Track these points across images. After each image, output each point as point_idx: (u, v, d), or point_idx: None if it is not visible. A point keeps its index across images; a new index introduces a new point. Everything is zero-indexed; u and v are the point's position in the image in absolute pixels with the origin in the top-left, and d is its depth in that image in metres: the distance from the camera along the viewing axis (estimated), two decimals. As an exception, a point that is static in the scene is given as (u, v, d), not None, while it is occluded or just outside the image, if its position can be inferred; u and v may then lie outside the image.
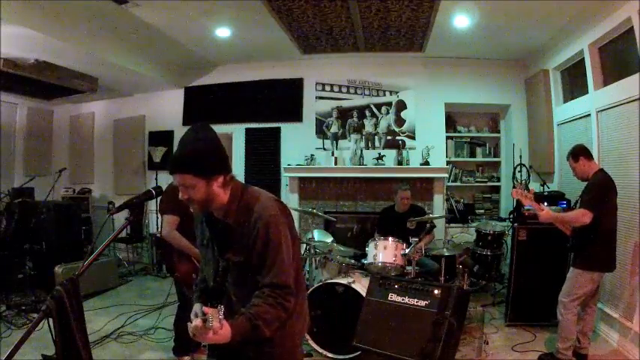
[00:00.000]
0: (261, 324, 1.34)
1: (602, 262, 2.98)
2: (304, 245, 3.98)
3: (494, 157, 6.10)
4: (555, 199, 4.03)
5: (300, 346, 1.68)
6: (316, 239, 4.36)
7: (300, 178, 5.87)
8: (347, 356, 3.17)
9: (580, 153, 3.12)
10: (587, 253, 2.97)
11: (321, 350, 3.27)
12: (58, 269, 4.47)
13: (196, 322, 1.26)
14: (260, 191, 1.52)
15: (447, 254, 3.84)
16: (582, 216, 2.90)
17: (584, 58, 4.14)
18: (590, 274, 2.96)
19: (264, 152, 6.13)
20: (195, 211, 1.47)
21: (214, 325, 1.21)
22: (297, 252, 1.56)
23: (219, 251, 1.50)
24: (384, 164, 5.64)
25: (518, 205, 3.79)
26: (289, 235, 1.49)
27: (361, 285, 3.26)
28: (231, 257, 1.45)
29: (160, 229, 4.26)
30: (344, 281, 3.27)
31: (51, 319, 1.46)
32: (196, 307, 1.50)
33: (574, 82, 4.63)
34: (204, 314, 1.24)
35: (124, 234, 5.53)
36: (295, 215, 5.36)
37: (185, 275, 3.04)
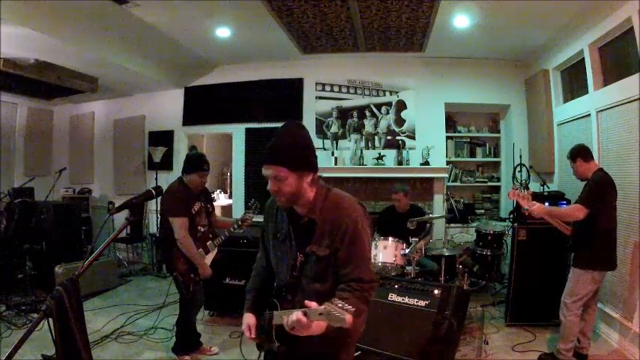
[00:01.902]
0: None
1: (602, 261, 2.98)
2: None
3: (495, 157, 6.09)
4: (555, 199, 4.03)
5: (354, 343, 1.71)
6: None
7: (300, 178, 5.85)
8: (347, 356, 3.17)
9: (577, 154, 3.12)
10: (587, 253, 2.96)
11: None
12: (58, 269, 4.47)
13: (297, 315, 1.29)
14: (343, 193, 1.61)
15: (447, 254, 3.83)
16: (576, 211, 2.90)
17: (584, 58, 4.14)
18: (591, 274, 2.95)
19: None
20: (281, 204, 1.53)
21: (345, 317, 1.17)
22: None
23: (298, 246, 1.55)
24: (384, 164, 5.64)
25: (519, 205, 3.79)
26: (370, 235, 1.59)
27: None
28: (316, 251, 1.51)
29: (159, 229, 4.26)
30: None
31: (51, 319, 1.46)
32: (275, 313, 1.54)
33: (574, 82, 4.63)
34: (305, 308, 1.28)
35: (124, 234, 5.53)
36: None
37: (184, 275, 3.04)
